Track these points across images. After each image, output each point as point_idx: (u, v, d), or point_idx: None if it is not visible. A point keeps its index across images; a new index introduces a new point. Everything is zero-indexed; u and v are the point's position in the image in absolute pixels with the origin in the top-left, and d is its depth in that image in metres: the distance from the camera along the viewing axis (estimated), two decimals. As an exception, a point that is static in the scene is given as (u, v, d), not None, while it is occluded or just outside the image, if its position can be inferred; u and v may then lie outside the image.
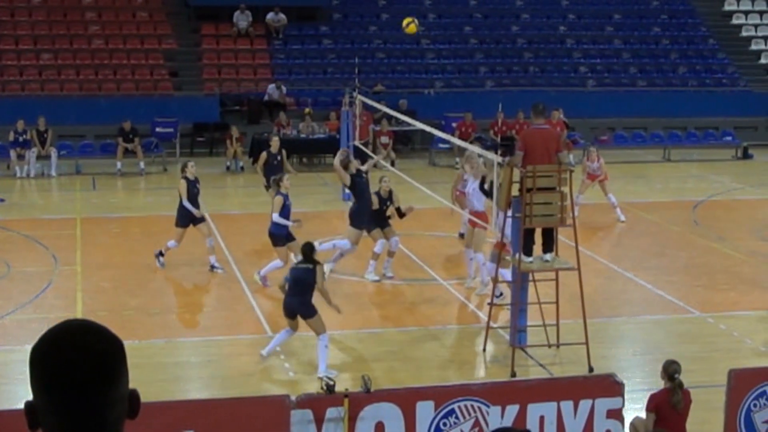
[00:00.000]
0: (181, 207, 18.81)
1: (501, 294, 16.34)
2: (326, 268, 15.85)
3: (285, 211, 17.80)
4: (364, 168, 18.91)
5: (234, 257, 20.00)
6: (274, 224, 17.91)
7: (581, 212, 22.26)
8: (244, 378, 13.85)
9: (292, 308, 14.12)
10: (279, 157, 22.18)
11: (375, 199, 18.56)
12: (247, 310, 16.95)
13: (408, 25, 21.15)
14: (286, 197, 17.88)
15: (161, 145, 31.28)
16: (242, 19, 36.40)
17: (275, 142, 22.63)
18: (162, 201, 25.55)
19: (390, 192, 18.72)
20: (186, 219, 18.80)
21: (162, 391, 13.02)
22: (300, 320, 14.11)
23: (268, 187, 21.29)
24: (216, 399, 11.73)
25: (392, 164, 27.01)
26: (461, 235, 19.94)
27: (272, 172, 21.28)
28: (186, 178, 18.96)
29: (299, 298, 14.02)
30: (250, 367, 14.34)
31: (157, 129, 31.91)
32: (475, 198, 17.47)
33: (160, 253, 18.88)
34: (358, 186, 18.63)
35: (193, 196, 18.88)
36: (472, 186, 17.68)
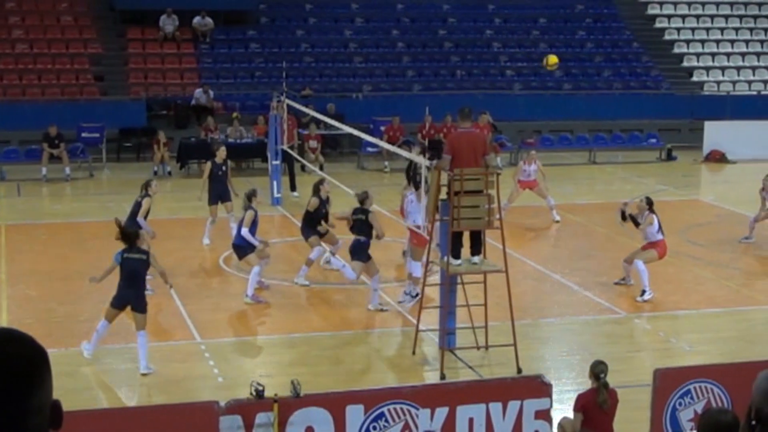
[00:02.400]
0: (137, 224, 17.79)
1: (417, 294, 16.39)
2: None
3: (253, 228, 17.73)
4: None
5: (162, 262, 19.81)
6: (241, 238, 17.75)
7: (508, 215, 22.45)
8: (172, 384, 13.77)
9: (128, 300, 14.24)
10: (224, 168, 21.59)
11: (315, 202, 18.53)
12: (175, 316, 16.85)
13: (550, 62, 20.93)
14: (256, 213, 17.81)
15: (87, 150, 30.97)
16: (169, 23, 36.16)
17: (222, 152, 21.60)
18: (89, 207, 25.33)
19: (328, 197, 18.78)
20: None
21: (90, 398, 12.92)
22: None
23: (220, 201, 21.22)
24: (144, 406, 11.67)
25: (321, 168, 26.99)
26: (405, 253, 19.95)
27: (217, 182, 20.98)
28: (150, 196, 18.39)
29: (135, 291, 14.21)
30: (178, 373, 14.26)
31: (83, 134, 31.61)
32: (415, 211, 16.99)
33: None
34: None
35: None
36: (411, 198, 17.65)
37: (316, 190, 18.79)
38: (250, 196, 18.11)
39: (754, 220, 22.09)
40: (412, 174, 19.37)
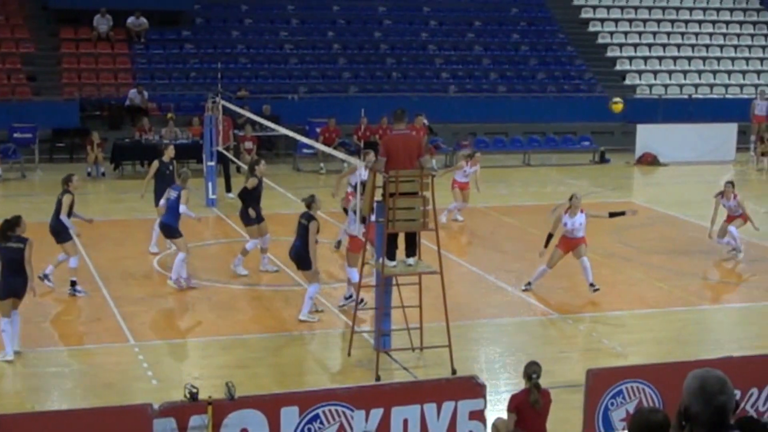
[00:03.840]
0: (61, 222, 17.76)
1: (363, 301, 16.36)
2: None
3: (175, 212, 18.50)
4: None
5: (96, 265, 19.70)
6: (173, 217, 18.30)
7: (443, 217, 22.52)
8: (105, 387, 13.64)
9: (16, 289, 14.40)
10: (171, 167, 21.45)
11: (254, 181, 19.08)
12: (109, 318, 16.70)
13: (616, 105, 20.72)
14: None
15: (19, 151, 30.63)
16: (103, 23, 35.86)
17: (170, 151, 21.58)
18: (20, 208, 24.81)
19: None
20: (68, 233, 18.03)
21: (21, 402, 12.77)
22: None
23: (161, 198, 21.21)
24: (77, 409, 11.54)
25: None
26: (338, 243, 20.10)
27: (163, 182, 20.62)
28: (71, 192, 18.11)
29: (20, 278, 14.31)
30: (112, 376, 14.14)
31: (15, 135, 31.27)
32: (352, 220, 16.80)
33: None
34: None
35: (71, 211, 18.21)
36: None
37: (252, 170, 19.34)
38: (186, 177, 18.99)
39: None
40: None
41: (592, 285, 18.11)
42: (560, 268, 18.57)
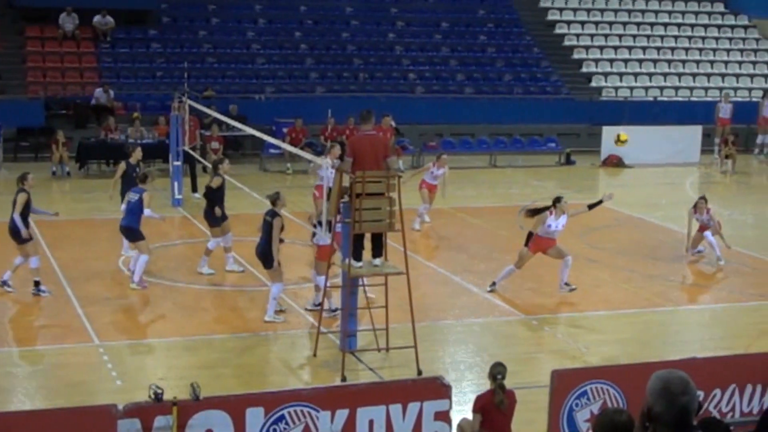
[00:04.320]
0: (13, 221, 17.52)
1: (336, 309, 16.32)
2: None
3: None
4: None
5: (60, 264, 19.59)
6: (134, 220, 18.24)
7: (408, 217, 22.54)
8: (70, 387, 13.57)
9: None
10: (138, 169, 21.29)
11: (218, 180, 19.14)
12: (73, 319, 16.61)
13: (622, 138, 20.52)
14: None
15: (-17, 150, 30.43)
16: (68, 22, 35.67)
17: (137, 153, 21.21)
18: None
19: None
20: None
21: (-16, 403, 12.70)
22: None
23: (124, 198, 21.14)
24: (41, 410, 11.48)
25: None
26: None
27: (130, 184, 20.44)
28: (26, 191, 17.82)
29: None
30: (76, 376, 14.07)
31: (-21, 133, 31.05)
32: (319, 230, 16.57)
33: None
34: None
35: (29, 210, 17.96)
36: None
37: (216, 169, 19.44)
38: (145, 177, 18.96)
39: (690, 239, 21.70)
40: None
41: (567, 284, 18.23)
42: (526, 269, 18.63)
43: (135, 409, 9.72)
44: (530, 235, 18.28)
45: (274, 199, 16.60)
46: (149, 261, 18.36)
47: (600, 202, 18.97)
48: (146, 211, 18.26)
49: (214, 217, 19.12)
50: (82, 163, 30.53)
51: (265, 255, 16.45)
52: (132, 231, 18.39)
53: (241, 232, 20.46)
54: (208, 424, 9.89)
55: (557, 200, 18.29)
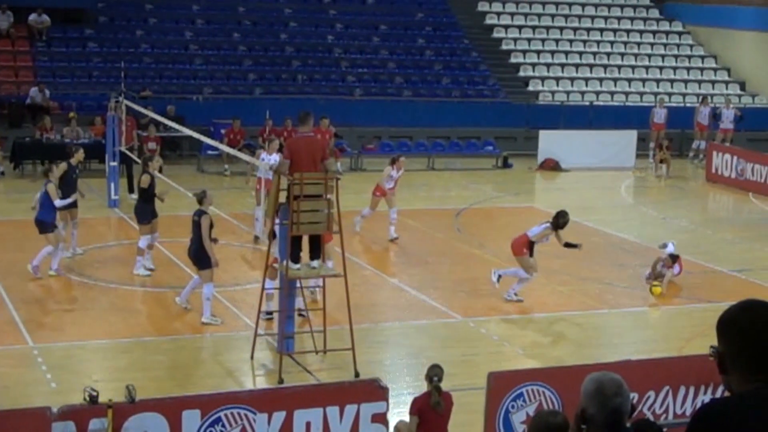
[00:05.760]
0: None
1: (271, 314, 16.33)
2: None
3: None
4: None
5: (-7, 266, 19.38)
6: (46, 213, 18.54)
7: (346, 220, 22.52)
8: (2, 390, 13.42)
9: None
10: (78, 171, 21.00)
11: (147, 178, 19.27)
12: (7, 320, 16.42)
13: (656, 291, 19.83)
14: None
15: None
16: (3, 20, 35.25)
17: (80, 155, 21.07)
18: None
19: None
20: None
21: None
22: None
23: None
24: (-27, 413, 11.34)
25: (160, 170, 26.66)
26: (256, 238, 20.39)
27: (70, 186, 20.13)
28: None
29: None
30: (9, 378, 13.92)
31: None
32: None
33: None
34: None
35: None
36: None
37: (146, 166, 19.58)
38: (47, 171, 19.35)
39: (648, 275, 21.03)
40: None
41: (516, 294, 18.40)
42: (462, 272, 18.73)
43: (70, 411, 9.64)
44: (531, 243, 18.38)
45: (201, 197, 16.64)
46: (54, 254, 18.73)
47: (576, 246, 18.72)
48: (57, 202, 18.62)
49: (146, 215, 19.10)
50: (17, 163, 30.18)
51: (198, 255, 16.40)
52: (43, 224, 18.69)
53: (178, 233, 20.36)
54: (144, 426, 9.84)
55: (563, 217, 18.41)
